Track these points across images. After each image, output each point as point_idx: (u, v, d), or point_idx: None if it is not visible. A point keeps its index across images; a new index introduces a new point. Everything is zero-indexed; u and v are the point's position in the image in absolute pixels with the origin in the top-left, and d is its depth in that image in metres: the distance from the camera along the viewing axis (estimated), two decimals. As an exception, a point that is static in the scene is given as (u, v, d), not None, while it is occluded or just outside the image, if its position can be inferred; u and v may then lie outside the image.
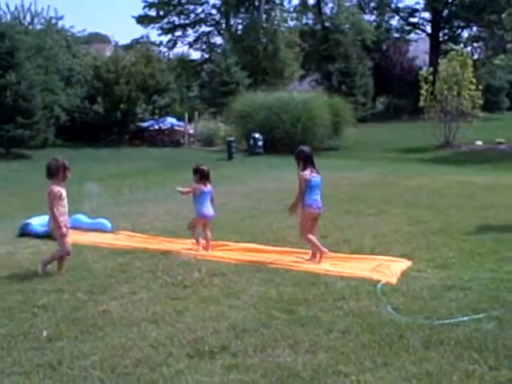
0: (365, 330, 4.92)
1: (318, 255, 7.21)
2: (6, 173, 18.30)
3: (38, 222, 8.94)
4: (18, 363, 4.48)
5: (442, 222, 9.26)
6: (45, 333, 5.02)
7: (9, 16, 25.92)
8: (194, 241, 8.00)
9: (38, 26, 27.34)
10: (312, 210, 7.34)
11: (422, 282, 6.19)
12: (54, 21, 27.73)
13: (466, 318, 5.10)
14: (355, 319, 5.16)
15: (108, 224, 9.23)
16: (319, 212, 7.44)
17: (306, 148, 7.73)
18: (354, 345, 4.65)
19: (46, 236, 8.60)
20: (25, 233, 8.83)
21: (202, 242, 7.94)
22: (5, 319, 5.36)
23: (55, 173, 6.96)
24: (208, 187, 7.98)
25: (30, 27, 26.91)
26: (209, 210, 7.98)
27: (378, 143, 26.45)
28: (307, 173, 7.31)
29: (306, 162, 7.38)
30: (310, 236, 7.25)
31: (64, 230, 6.86)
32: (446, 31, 47.98)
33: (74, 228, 9.13)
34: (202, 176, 7.94)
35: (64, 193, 6.98)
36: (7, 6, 26.51)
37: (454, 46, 27.18)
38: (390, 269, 6.60)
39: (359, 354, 4.49)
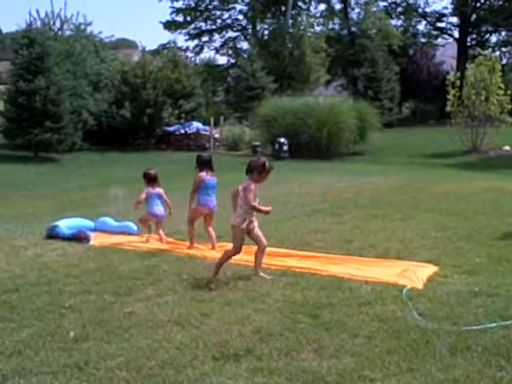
0: (390, 336, 4.89)
1: (190, 243, 8.29)
2: (34, 176, 18.57)
3: (66, 225, 9.06)
4: (46, 363, 4.54)
5: (468, 228, 9.16)
6: (72, 333, 5.08)
7: (39, 22, 26.31)
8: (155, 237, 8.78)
9: (68, 32, 27.75)
10: (203, 208, 8.35)
11: (448, 287, 6.12)
12: (82, 27, 28.15)
13: (493, 325, 5.04)
14: (380, 324, 5.13)
15: (134, 227, 9.31)
16: (212, 210, 8.44)
17: (204, 154, 8.99)
18: (380, 350, 4.62)
19: (72, 238, 8.73)
20: (52, 235, 8.93)
21: (154, 236, 8.77)
22: (33, 320, 5.44)
23: (252, 170, 6.68)
24: (156, 189, 8.87)
25: (60, 33, 27.32)
26: (159, 209, 8.87)
27: (404, 148, 26.26)
28: (203, 174, 8.31)
29: (202, 165, 8.38)
30: (191, 228, 8.33)
31: (269, 208, 6.70)
32: (474, 36, 47.45)
33: (101, 231, 9.27)
34: (150, 179, 8.87)
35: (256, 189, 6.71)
36: (37, 12, 26.76)
37: (482, 51, 26.91)
38: (415, 274, 6.54)
39: (385, 359, 4.46)
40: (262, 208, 6.61)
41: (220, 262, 6.74)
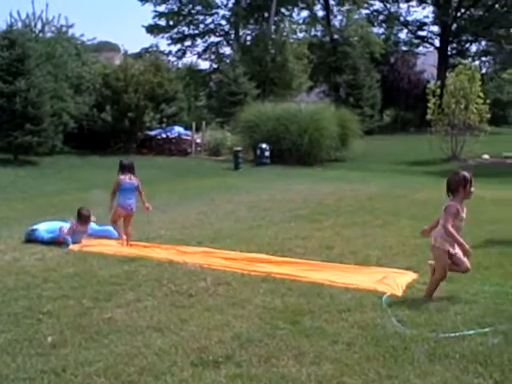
0: (370, 342, 4.91)
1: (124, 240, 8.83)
2: (13, 179, 18.38)
3: (45, 228, 8.98)
4: (23, 369, 4.48)
5: (448, 236, 9.21)
6: (49, 339, 5.03)
7: (20, 24, 26.08)
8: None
9: (49, 34, 27.51)
10: (122, 209, 8.94)
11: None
12: (64, 29, 27.91)
13: (471, 332, 5.08)
14: (360, 331, 5.15)
15: (115, 231, 9.25)
16: (130, 211, 9.00)
17: (125, 160, 9.46)
18: (359, 357, 4.64)
19: (51, 242, 8.65)
20: (31, 239, 8.85)
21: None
22: (10, 325, 5.38)
23: (455, 189, 6.32)
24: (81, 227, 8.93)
25: (41, 35, 27.09)
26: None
27: (385, 155, 26.45)
28: (122, 177, 8.91)
29: (122, 169, 8.99)
30: (117, 227, 9.01)
31: (467, 246, 6.04)
32: (455, 45, 48.07)
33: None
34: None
35: (462, 211, 6.32)
36: (18, 13, 26.52)
37: (462, 60, 27.23)
38: (395, 281, 6.58)
39: (364, 365, 4.47)
40: (460, 240, 6.00)
41: (431, 290, 6.10)
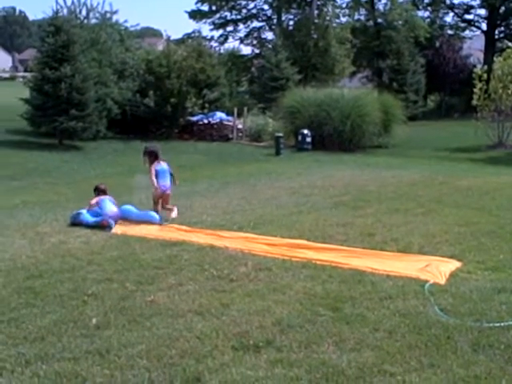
0: (411, 331, 4.86)
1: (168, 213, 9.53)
2: (58, 164, 18.74)
3: (89, 212, 9.15)
4: (68, 349, 4.59)
5: (493, 224, 9.05)
6: (94, 321, 5.13)
7: (65, 10, 26.44)
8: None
9: (93, 21, 27.85)
10: (160, 190, 9.56)
11: (471, 283, 6.07)
12: (108, 15, 28.22)
13: (516, 322, 4.98)
14: (402, 319, 5.11)
15: (156, 216, 9.35)
16: (166, 191, 9.65)
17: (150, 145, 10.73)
18: (401, 345, 4.60)
19: (96, 226, 8.81)
20: (76, 222, 9.03)
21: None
22: (56, 306, 5.51)
23: None
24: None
25: (86, 21, 27.43)
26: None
27: (429, 142, 26.02)
28: (155, 163, 9.62)
29: (150, 155, 9.77)
30: (158, 206, 9.62)
31: None
32: (502, 28, 46.73)
33: (124, 219, 9.34)
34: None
35: None
36: (64, 0, 26.90)
37: (510, 44, 26.51)
38: (438, 269, 6.49)
39: (405, 354, 4.44)
40: None
41: None
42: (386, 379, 4.09)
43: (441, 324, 4.97)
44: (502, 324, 4.94)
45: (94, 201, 9.40)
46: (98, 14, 27.94)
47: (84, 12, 27.55)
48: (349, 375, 4.14)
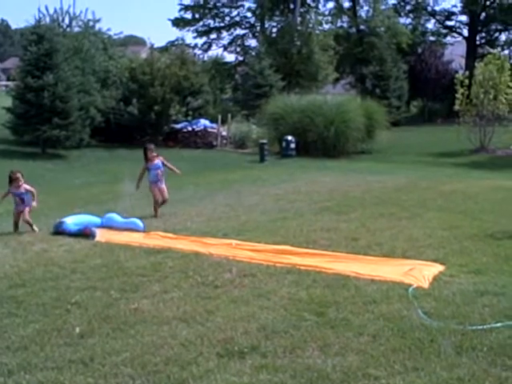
0: (395, 334, 4.88)
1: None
2: (41, 172, 18.62)
3: (72, 221, 9.09)
4: (51, 358, 4.56)
5: (476, 228, 9.12)
6: (77, 329, 5.10)
7: (48, 19, 26.39)
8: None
9: (76, 29, 27.83)
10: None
11: (454, 286, 6.11)
12: (91, 23, 28.21)
13: (499, 325, 5.02)
14: (386, 323, 5.12)
15: (140, 224, 9.32)
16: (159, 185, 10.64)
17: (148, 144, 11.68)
18: (385, 348, 4.62)
19: (79, 235, 8.76)
20: (59, 231, 8.97)
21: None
22: (39, 315, 5.46)
23: None
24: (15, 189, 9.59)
25: (68, 30, 27.41)
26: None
27: (412, 147, 26.20)
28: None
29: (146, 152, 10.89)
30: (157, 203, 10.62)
31: None
32: (483, 35, 47.22)
33: (108, 227, 9.29)
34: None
35: None
36: (46, 8, 26.86)
37: (491, 50, 26.81)
38: (421, 273, 6.52)
39: (389, 357, 4.45)
40: None
41: None
42: (371, 383, 4.10)
43: (424, 327, 4.99)
44: (485, 327, 4.98)
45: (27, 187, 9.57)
46: (80, 23, 27.94)
47: (67, 20, 27.56)
48: (333, 379, 4.15)
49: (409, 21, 46.85)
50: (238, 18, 43.69)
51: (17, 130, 22.75)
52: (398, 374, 4.21)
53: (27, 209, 9.36)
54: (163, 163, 10.98)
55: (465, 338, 4.76)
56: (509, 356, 4.44)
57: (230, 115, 28.05)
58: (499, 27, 46.61)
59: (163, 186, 10.80)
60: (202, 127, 27.51)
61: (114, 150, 24.61)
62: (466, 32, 47.09)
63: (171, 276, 6.66)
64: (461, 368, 4.27)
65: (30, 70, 21.85)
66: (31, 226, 9.31)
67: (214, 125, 27.43)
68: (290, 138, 22.82)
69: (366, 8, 44.10)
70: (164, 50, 37.12)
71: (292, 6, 40.15)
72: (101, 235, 8.78)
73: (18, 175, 9.51)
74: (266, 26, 42.46)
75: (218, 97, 35.89)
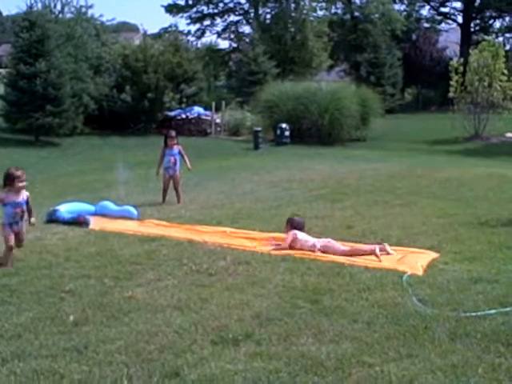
0: (390, 321, 4.88)
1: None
2: (34, 160, 18.56)
3: (66, 209, 9.05)
4: (45, 346, 4.54)
5: (470, 215, 9.14)
6: (71, 317, 5.08)
7: (40, 5, 26.15)
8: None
9: (68, 15, 27.61)
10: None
11: (448, 274, 6.12)
12: (83, 9, 27.98)
13: (493, 311, 5.03)
14: (380, 310, 5.13)
15: (134, 211, 9.29)
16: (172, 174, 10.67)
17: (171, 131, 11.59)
18: (379, 335, 4.62)
19: (72, 223, 8.73)
20: (53, 219, 8.93)
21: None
22: (33, 303, 5.44)
23: None
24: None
25: (61, 16, 27.18)
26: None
27: (407, 134, 26.21)
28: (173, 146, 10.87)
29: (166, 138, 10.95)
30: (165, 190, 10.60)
31: None
32: (478, 21, 47.19)
33: (101, 215, 9.27)
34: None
35: None
36: (38, -6, 26.58)
37: (485, 37, 26.78)
38: (416, 260, 6.54)
39: (384, 344, 4.46)
40: None
41: None
42: (365, 370, 4.10)
43: (419, 314, 5.00)
44: (479, 313, 4.99)
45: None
46: (73, 9, 27.73)
47: (59, 6, 27.33)
48: (328, 366, 4.15)
49: (403, 7, 46.82)
50: (231, 5, 43.49)
51: (9, 118, 22.62)
52: (393, 360, 4.22)
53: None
54: (179, 152, 10.92)
55: (459, 325, 4.77)
56: (502, 342, 4.45)
57: (224, 102, 27.96)
58: (494, 14, 46.60)
59: (177, 173, 10.73)
60: (195, 114, 27.42)
61: (108, 137, 24.50)
62: (460, 19, 47.06)
63: (165, 264, 6.64)
64: (454, 354, 4.28)
65: (22, 56, 21.69)
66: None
67: (208, 112, 27.35)
68: (284, 125, 22.79)
69: (360, -6, 43.94)
70: (157, 36, 36.93)
71: (286, -7, 39.94)
72: (94, 223, 8.76)
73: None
74: (260, 12, 42.27)
75: (211, 84, 35.78)
